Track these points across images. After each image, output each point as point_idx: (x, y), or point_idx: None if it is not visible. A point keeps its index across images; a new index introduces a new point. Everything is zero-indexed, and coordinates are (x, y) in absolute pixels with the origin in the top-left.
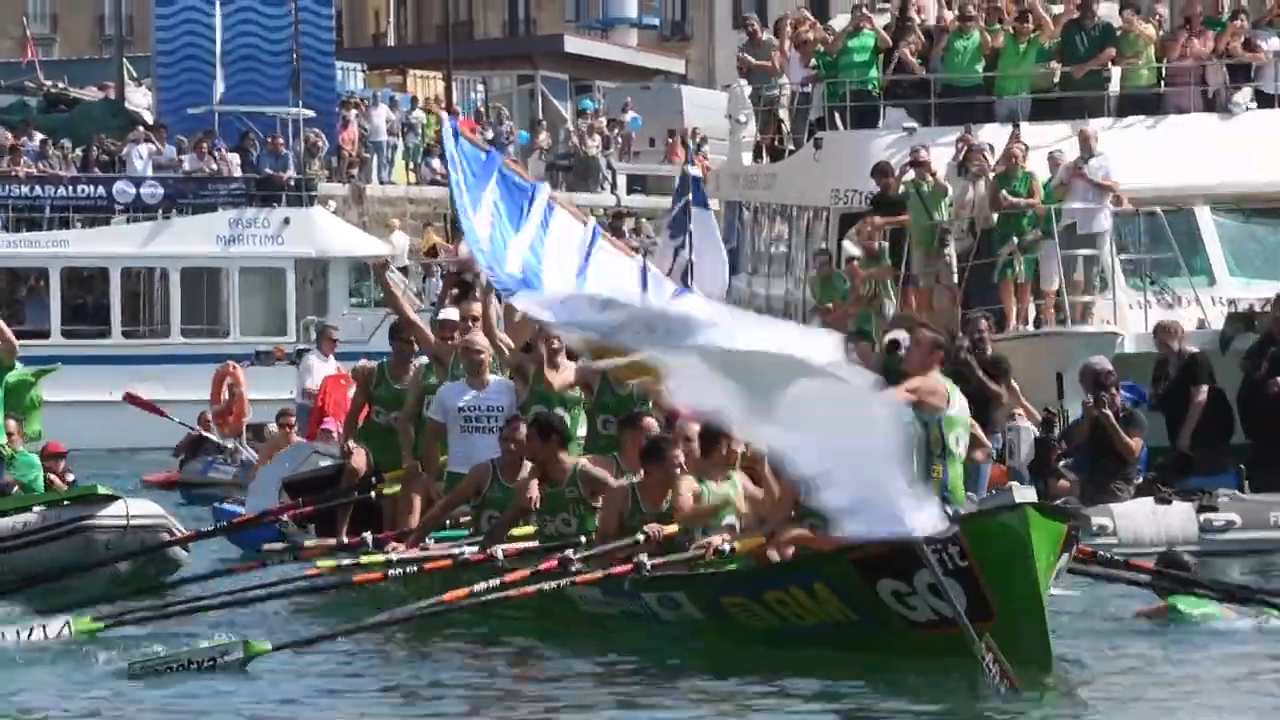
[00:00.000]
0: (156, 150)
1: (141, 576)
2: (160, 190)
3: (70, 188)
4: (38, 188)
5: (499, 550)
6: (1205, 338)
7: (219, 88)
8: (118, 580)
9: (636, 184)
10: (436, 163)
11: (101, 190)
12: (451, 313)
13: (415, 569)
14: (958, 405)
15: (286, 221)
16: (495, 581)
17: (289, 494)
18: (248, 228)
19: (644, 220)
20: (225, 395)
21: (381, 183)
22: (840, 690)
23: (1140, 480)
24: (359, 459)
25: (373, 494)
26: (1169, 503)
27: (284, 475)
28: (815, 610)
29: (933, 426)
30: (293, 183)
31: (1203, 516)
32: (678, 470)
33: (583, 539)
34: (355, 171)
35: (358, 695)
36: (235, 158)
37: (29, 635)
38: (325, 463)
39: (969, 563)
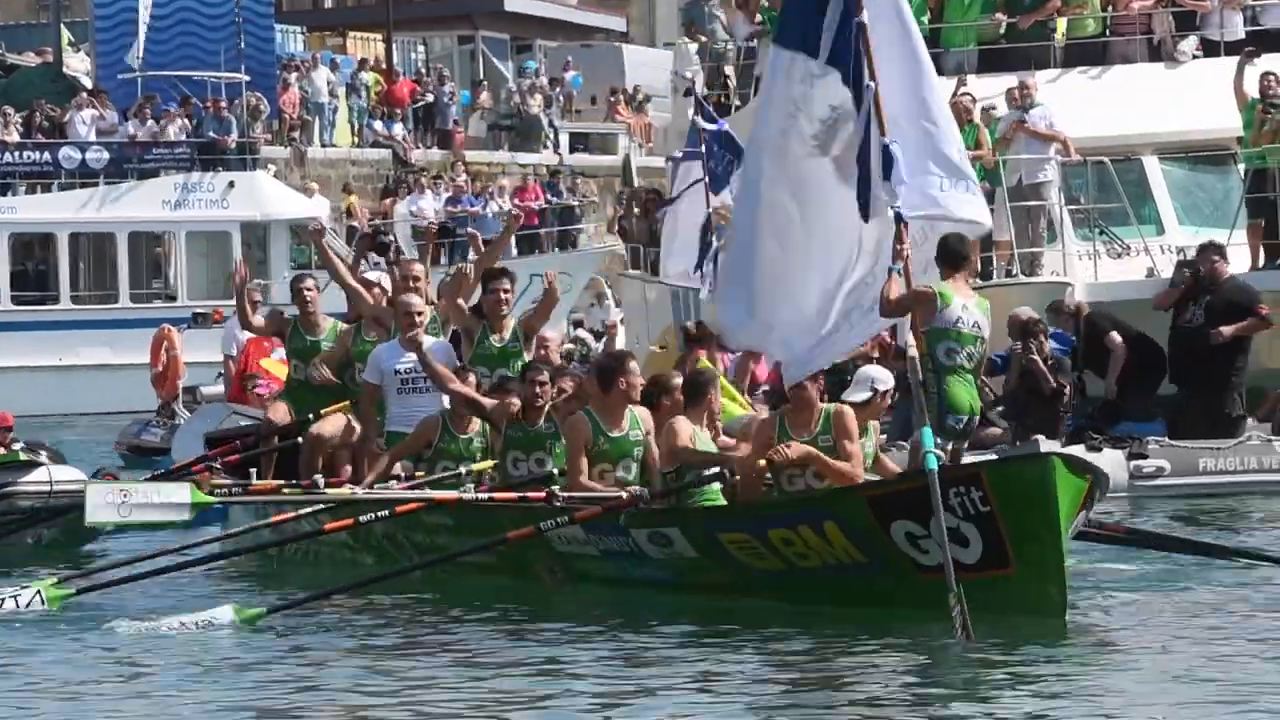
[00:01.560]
0: (99, 115)
1: (66, 542)
2: (105, 155)
3: (16, 153)
4: None
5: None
6: (1155, 286)
7: (139, 51)
8: (41, 546)
9: (579, 143)
10: (379, 124)
11: (47, 155)
12: (373, 274)
13: (388, 511)
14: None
15: (231, 185)
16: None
17: (210, 449)
18: (192, 192)
19: (586, 179)
20: (164, 359)
21: (323, 145)
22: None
23: (1071, 428)
24: (279, 411)
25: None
26: (1099, 449)
27: (205, 431)
28: (821, 551)
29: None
30: (235, 147)
31: (1132, 463)
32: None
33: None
34: (296, 135)
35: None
36: (181, 122)
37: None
38: (245, 423)
39: (990, 508)
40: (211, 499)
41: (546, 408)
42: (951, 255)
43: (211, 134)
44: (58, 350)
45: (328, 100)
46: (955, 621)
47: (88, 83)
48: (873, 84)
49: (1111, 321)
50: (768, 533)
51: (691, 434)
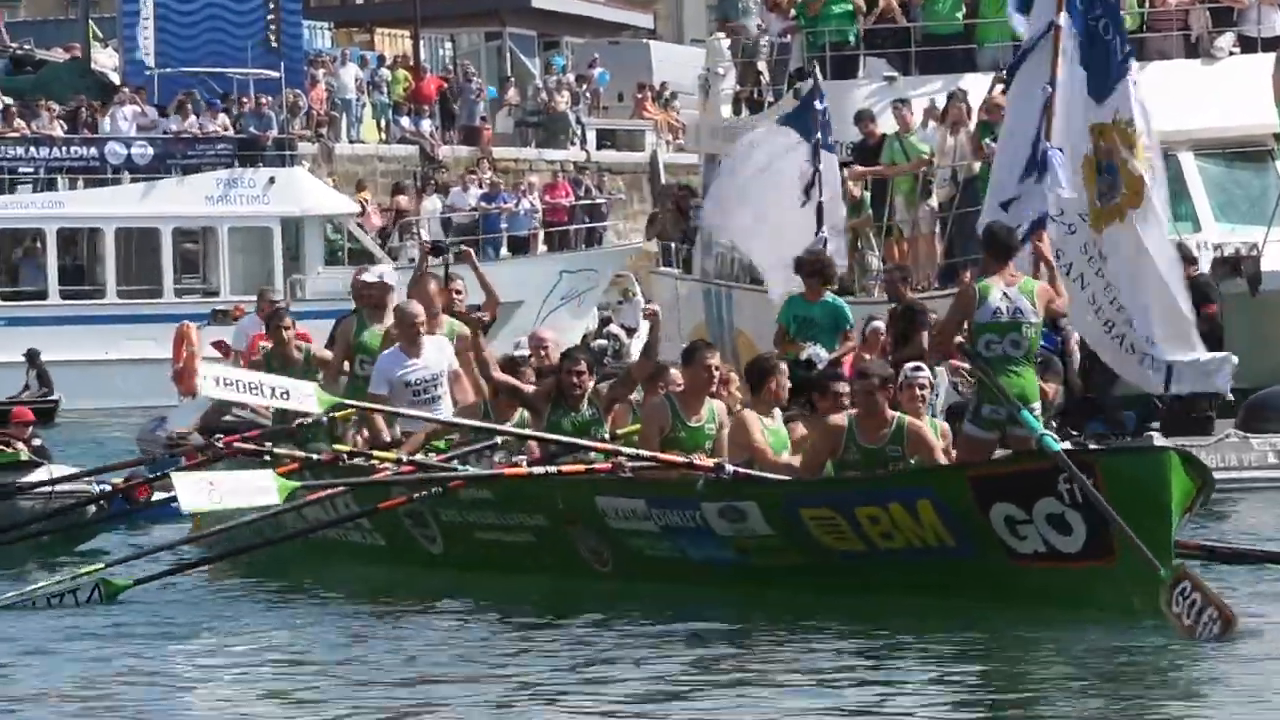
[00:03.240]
0: (141, 111)
1: (63, 541)
2: (150, 151)
3: (64, 148)
4: (31, 149)
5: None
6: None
7: (149, 46)
8: (42, 546)
9: (606, 139)
10: (405, 120)
11: (93, 151)
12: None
13: (441, 490)
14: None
15: (272, 181)
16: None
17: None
18: (234, 188)
19: (613, 175)
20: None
21: (350, 141)
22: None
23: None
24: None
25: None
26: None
27: (194, 425)
28: (908, 532)
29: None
30: (274, 143)
31: None
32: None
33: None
34: (324, 130)
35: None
36: (223, 118)
37: (59, 601)
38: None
39: (1100, 497)
40: (295, 484)
41: (587, 395)
42: (1000, 247)
43: (252, 130)
44: (104, 344)
45: (355, 97)
46: (1185, 609)
47: (115, 78)
48: (1050, 88)
49: None
50: (855, 509)
51: (760, 427)
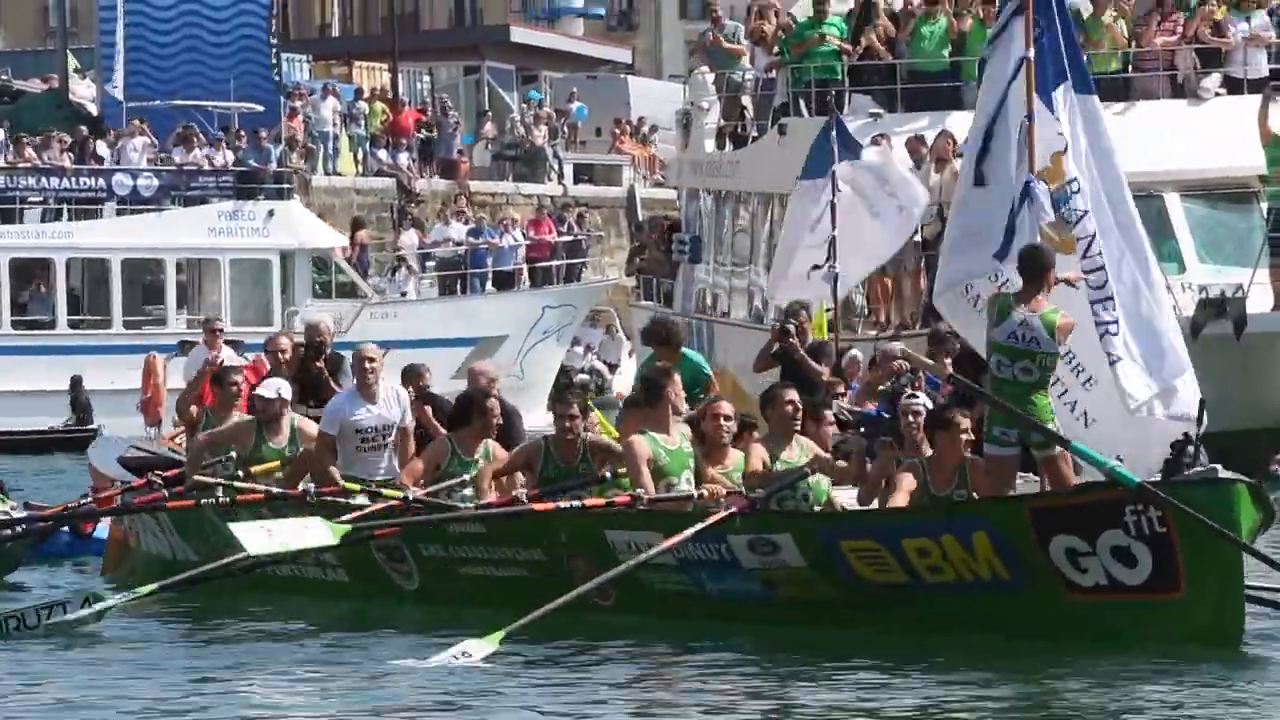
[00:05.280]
0: (151, 143)
1: None
2: (156, 183)
3: (73, 179)
4: (42, 179)
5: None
6: None
7: (119, 79)
8: None
9: (584, 173)
10: (383, 153)
11: (101, 182)
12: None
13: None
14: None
15: (271, 214)
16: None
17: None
18: (236, 220)
19: (591, 210)
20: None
21: (327, 174)
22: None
23: None
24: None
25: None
26: None
27: (118, 456)
28: (960, 564)
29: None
30: (273, 176)
31: None
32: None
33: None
34: (302, 163)
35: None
36: (229, 154)
37: (48, 615)
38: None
39: (1168, 529)
40: (346, 526)
41: (580, 444)
42: (1036, 269)
43: (252, 163)
44: (110, 374)
45: (332, 129)
46: None
47: (93, 109)
48: (1027, 120)
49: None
50: (902, 541)
51: (648, 453)
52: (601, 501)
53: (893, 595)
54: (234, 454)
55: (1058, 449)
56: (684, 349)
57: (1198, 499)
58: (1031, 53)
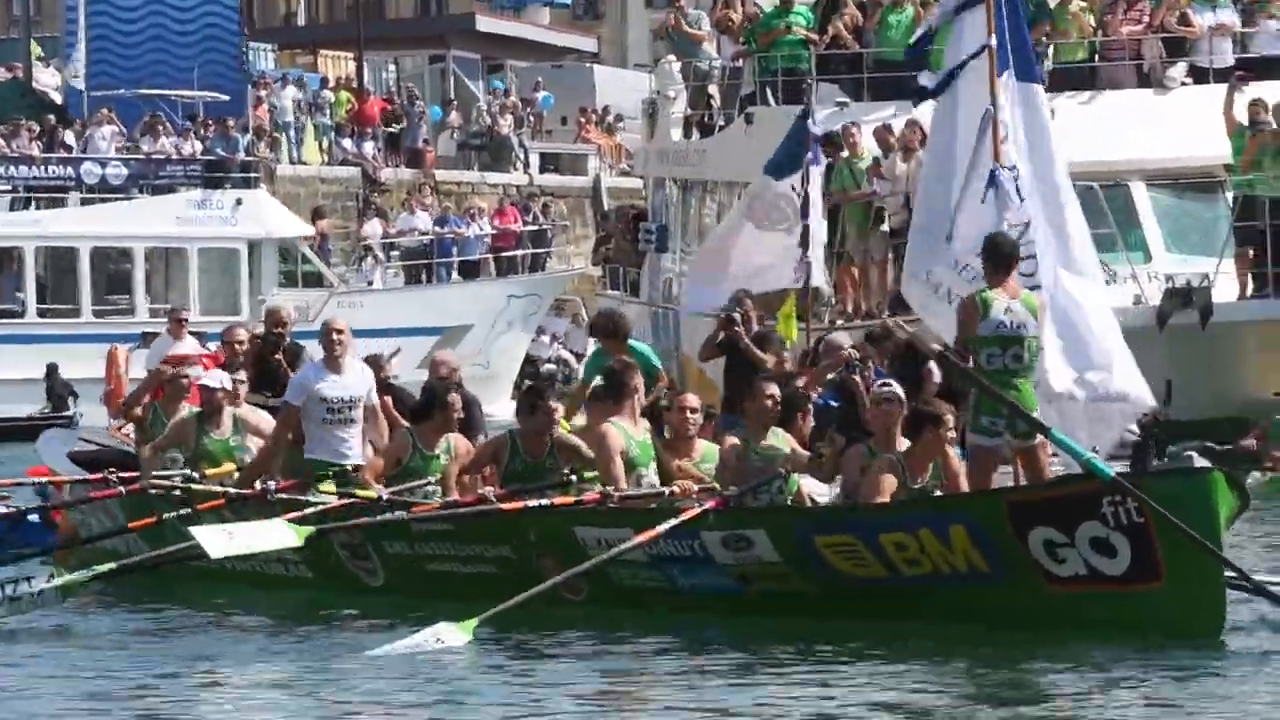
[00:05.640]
0: (119, 132)
1: None
2: (124, 171)
3: (42, 168)
4: (11, 167)
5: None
6: (1142, 315)
7: (78, 67)
8: None
9: (549, 163)
10: (348, 142)
11: (69, 170)
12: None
13: (405, 514)
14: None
15: (239, 203)
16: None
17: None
18: (203, 209)
19: (556, 199)
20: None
21: (292, 163)
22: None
23: None
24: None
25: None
26: None
27: (68, 451)
28: (937, 557)
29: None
30: (241, 165)
31: None
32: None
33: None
34: (269, 152)
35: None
36: (197, 144)
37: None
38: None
39: (1145, 519)
40: (310, 529)
41: (549, 438)
42: (1002, 257)
43: (219, 151)
44: (80, 363)
45: (294, 119)
46: None
47: (57, 98)
48: (990, 109)
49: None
50: (879, 536)
51: (621, 445)
52: (570, 500)
53: (872, 588)
54: (178, 455)
55: (1038, 438)
56: (631, 341)
57: (1175, 489)
58: (994, 40)
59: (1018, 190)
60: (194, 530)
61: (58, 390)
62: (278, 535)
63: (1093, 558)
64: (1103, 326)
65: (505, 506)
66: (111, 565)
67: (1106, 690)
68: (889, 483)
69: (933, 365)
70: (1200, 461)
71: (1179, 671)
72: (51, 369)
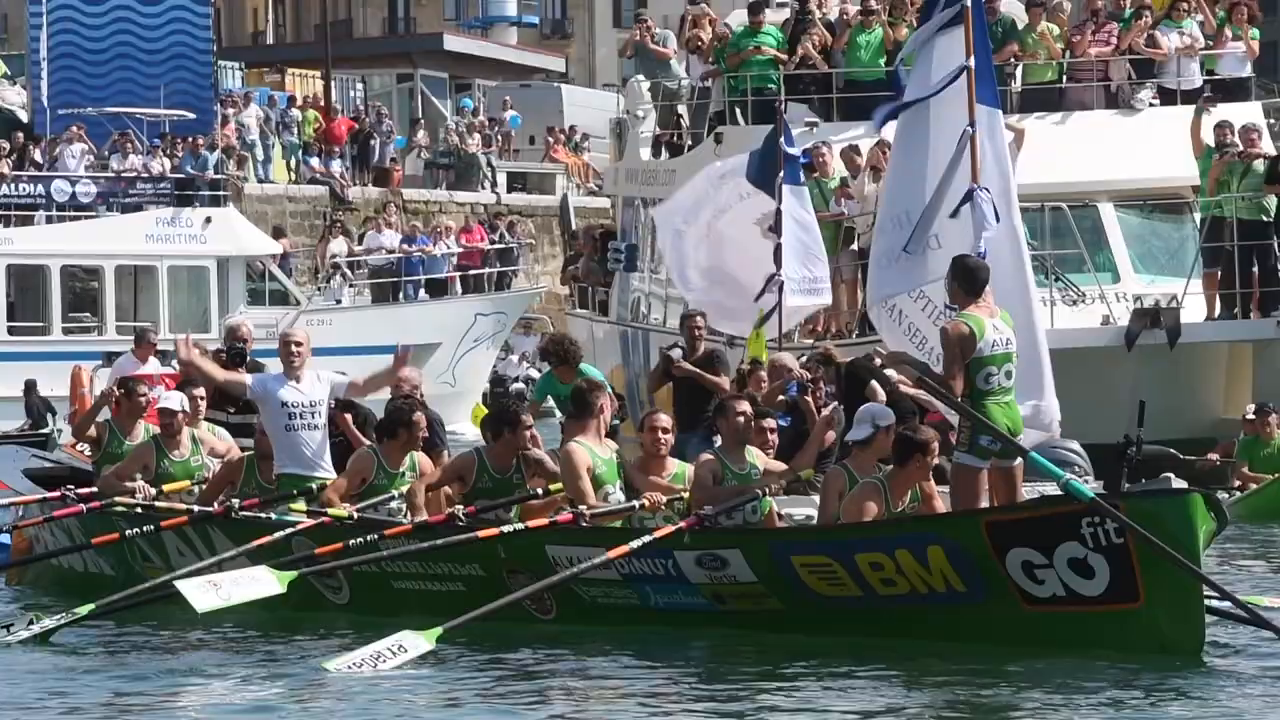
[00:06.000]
0: (88, 150)
1: None
2: (94, 189)
3: (13, 185)
4: None
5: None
6: (1110, 335)
7: (42, 86)
8: None
9: (517, 182)
10: (315, 161)
11: (40, 188)
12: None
13: (376, 536)
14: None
15: (208, 221)
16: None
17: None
18: (174, 226)
19: (523, 218)
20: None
21: (260, 181)
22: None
23: None
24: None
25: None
26: None
27: (21, 468)
28: (914, 577)
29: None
30: (210, 183)
31: None
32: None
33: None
34: (238, 170)
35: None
36: (166, 162)
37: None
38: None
39: (1125, 540)
40: (292, 574)
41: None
42: (973, 279)
43: (189, 169)
44: (50, 381)
45: (259, 137)
46: None
47: (23, 116)
48: (970, 129)
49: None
50: (855, 556)
51: (588, 464)
52: (545, 522)
53: (846, 608)
54: (139, 479)
55: (1017, 460)
56: (582, 365)
57: (1154, 509)
58: (973, 62)
59: (995, 211)
60: (179, 584)
61: (37, 407)
62: (263, 585)
63: (1070, 579)
64: (1043, 357)
65: (483, 534)
66: (91, 606)
67: (1083, 709)
68: (871, 510)
69: (876, 386)
70: (1179, 484)
71: (1159, 691)
72: (30, 385)
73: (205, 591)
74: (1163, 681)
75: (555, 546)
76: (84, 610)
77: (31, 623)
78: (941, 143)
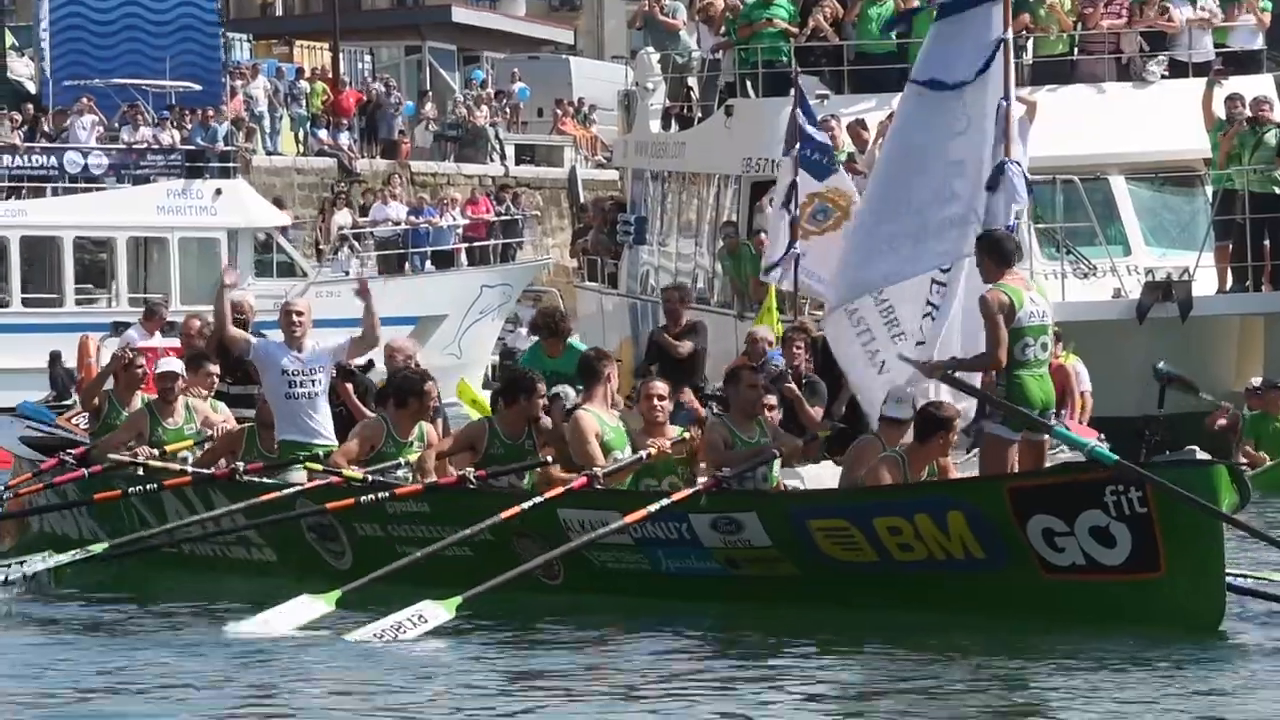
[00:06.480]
0: (99, 121)
1: None
2: (106, 161)
3: (26, 157)
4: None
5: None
6: (1122, 308)
7: (48, 56)
8: None
9: (525, 154)
10: (324, 133)
11: (52, 160)
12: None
13: (387, 494)
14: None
15: (219, 193)
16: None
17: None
18: (183, 198)
19: (531, 190)
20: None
21: (268, 153)
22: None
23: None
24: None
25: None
26: None
27: (20, 436)
28: (932, 543)
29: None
30: (220, 155)
31: None
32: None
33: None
34: (247, 142)
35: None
36: (175, 134)
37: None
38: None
39: (1149, 509)
40: (338, 593)
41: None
42: (1002, 250)
43: (199, 141)
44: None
45: (267, 109)
46: None
47: (31, 88)
48: (1005, 102)
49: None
50: (873, 520)
51: (596, 430)
52: (561, 491)
53: (862, 573)
54: (134, 446)
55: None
56: (571, 340)
57: (1179, 479)
58: (1010, 34)
59: (1028, 183)
60: (229, 628)
61: (61, 379)
62: (313, 608)
63: (1091, 547)
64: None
65: (505, 515)
66: (105, 545)
67: (1102, 679)
68: (887, 481)
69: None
70: (1203, 455)
71: (1178, 661)
72: (55, 357)
73: (260, 628)
74: (1177, 654)
75: (568, 510)
76: (98, 548)
77: (46, 558)
78: (986, 122)
